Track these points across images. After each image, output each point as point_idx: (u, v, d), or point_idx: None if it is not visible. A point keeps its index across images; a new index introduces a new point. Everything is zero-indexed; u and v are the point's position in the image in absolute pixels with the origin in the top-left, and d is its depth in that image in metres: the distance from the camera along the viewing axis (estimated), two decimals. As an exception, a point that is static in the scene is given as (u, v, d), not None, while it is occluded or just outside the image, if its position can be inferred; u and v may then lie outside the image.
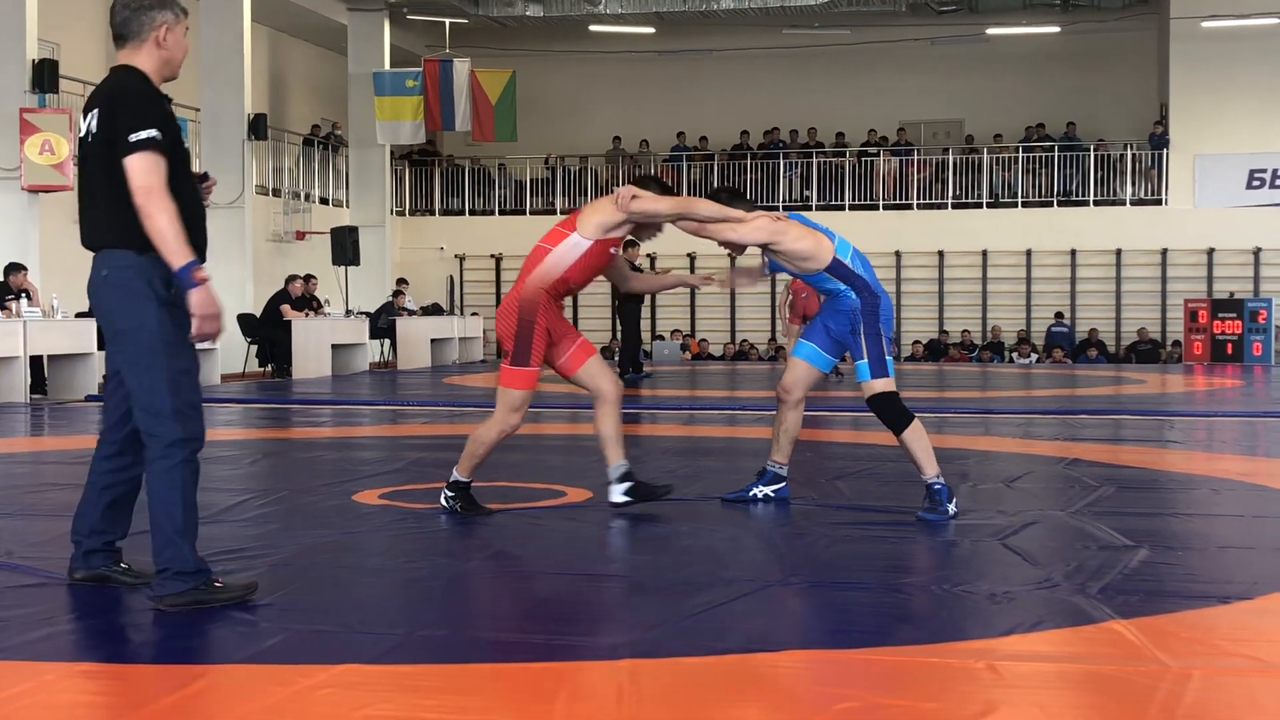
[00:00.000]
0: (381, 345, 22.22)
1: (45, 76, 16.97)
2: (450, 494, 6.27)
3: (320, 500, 6.75)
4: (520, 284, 6.30)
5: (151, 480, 4.29)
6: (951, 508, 6.16)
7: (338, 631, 4.07)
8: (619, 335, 17.54)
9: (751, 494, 6.63)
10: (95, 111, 4.29)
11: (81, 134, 4.38)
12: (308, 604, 4.43)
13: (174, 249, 4.17)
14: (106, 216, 4.29)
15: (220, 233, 21.63)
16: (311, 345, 18.32)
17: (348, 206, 26.49)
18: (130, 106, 4.22)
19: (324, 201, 25.97)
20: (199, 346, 4.44)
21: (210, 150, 21.09)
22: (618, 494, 6.30)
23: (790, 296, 16.79)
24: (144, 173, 4.17)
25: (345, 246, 20.60)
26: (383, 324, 21.41)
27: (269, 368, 19.48)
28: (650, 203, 6.23)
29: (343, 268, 20.75)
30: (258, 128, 21.92)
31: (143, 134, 4.17)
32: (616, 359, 17.60)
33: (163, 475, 4.26)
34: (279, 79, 26.90)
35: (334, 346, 18.73)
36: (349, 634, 4.04)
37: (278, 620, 4.16)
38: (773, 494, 6.61)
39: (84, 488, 4.59)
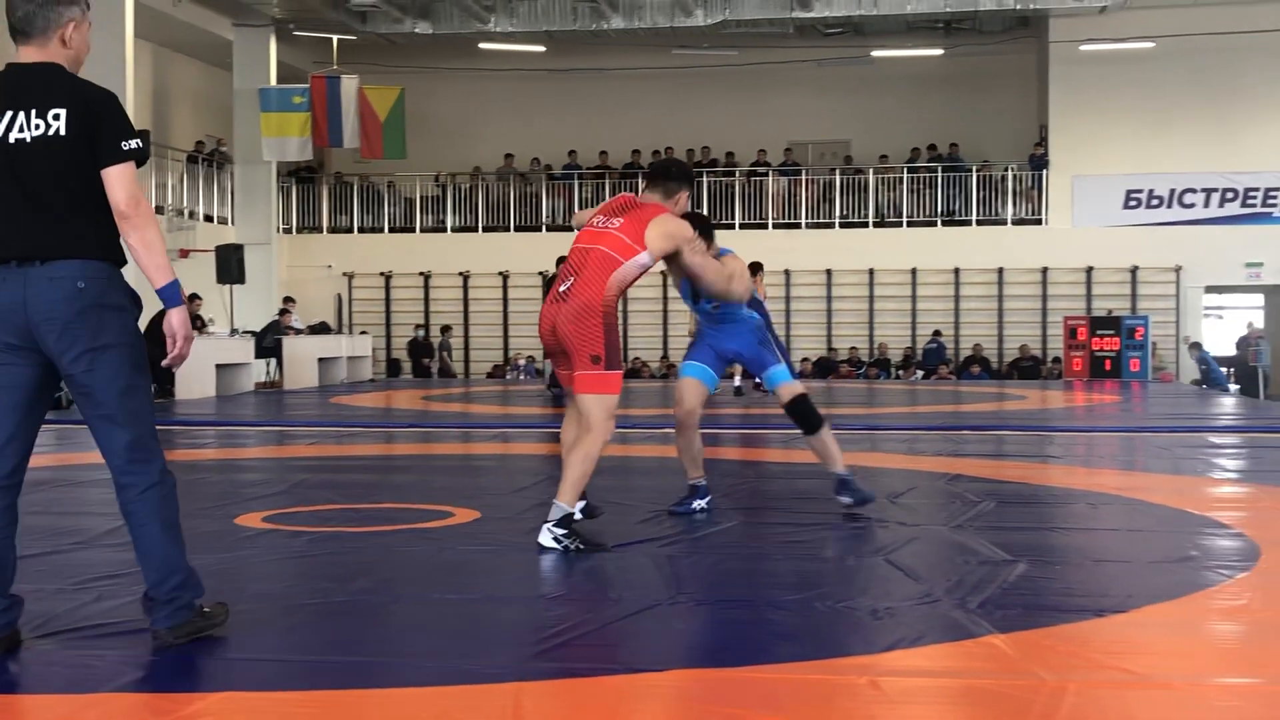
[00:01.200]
0: (267, 365, 21.92)
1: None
2: (563, 533, 5.74)
3: (202, 524, 6.63)
4: (589, 287, 5.90)
5: (157, 508, 4.09)
6: (868, 496, 6.91)
7: (217, 658, 4.00)
8: None
9: (694, 507, 6.89)
10: (62, 112, 3.95)
11: (12, 133, 3.97)
12: (188, 630, 4.35)
13: (162, 263, 4.01)
14: (80, 225, 3.99)
15: None
16: (195, 365, 17.99)
17: (233, 224, 26.14)
18: (118, 112, 4.04)
19: (209, 219, 25.60)
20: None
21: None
22: (546, 536, 5.81)
23: None
24: (132, 182, 3.99)
25: (230, 264, 20.32)
26: (268, 343, 21.13)
27: (152, 388, 19.10)
28: (710, 268, 6.48)
29: (228, 286, 20.46)
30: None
31: (132, 143, 4.00)
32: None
33: (166, 502, 4.12)
34: (163, 95, 26.49)
35: (218, 366, 18.44)
36: (229, 660, 3.98)
37: (157, 648, 4.08)
38: (707, 506, 6.92)
39: None
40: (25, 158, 3.97)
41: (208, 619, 4.20)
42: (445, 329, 27.37)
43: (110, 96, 4.07)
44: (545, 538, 5.79)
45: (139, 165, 4.03)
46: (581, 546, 5.75)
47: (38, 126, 3.97)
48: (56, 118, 3.97)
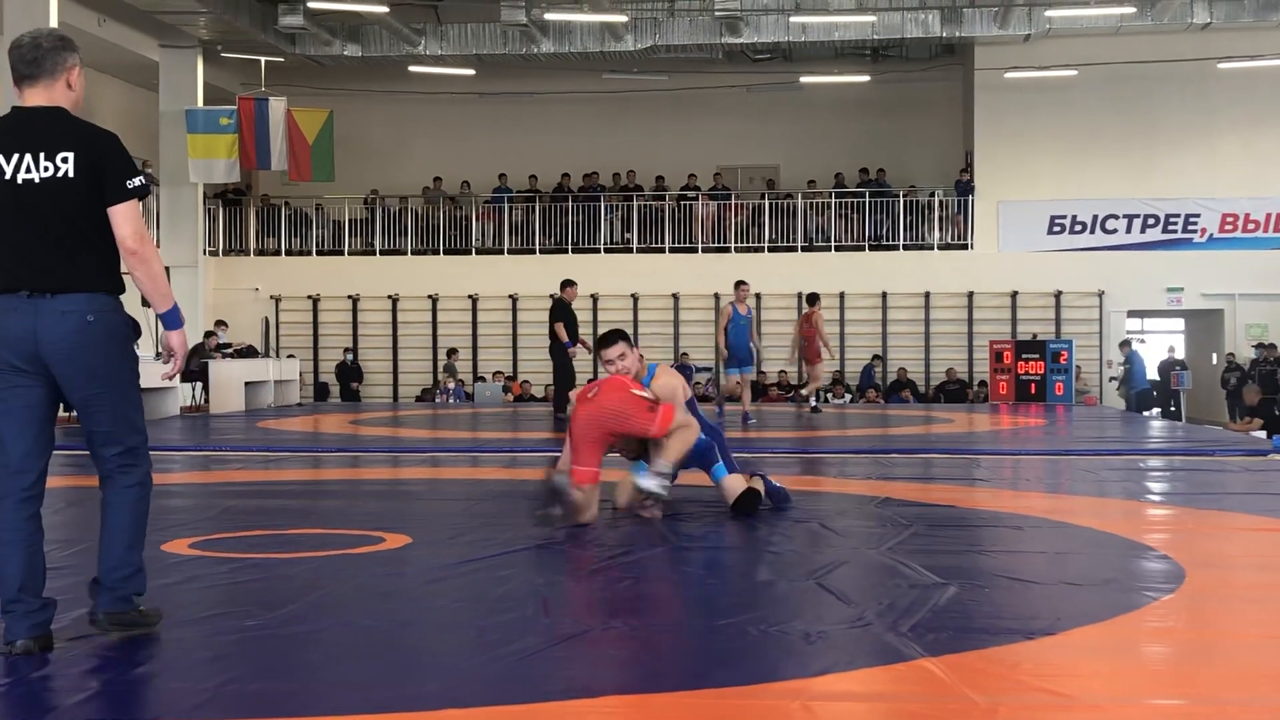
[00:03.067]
0: (193, 389, 21.65)
1: None
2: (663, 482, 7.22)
3: (127, 550, 6.53)
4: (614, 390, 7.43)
5: (133, 500, 4.51)
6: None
7: (145, 686, 3.94)
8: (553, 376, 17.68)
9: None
10: (70, 155, 4.27)
11: (9, 174, 4.28)
12: (115, 658, 4.28)
13: (165, 292, 4.47)
14: (88, 259, 4.33)
15: None
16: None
17: (159, 246, 25.85)
18: (123, 153, 4.37)
19: (133, 241, 25.27)
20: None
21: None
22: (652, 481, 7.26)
23: (803, 340, 19.53)
24: (137, 219, 4.36)
25: (156, 287, 20.04)
26: (194, 366, 20.85)
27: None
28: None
29: (153, 309, 20.19)
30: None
31: (136, 181, 4.36)
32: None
33: (142, 500, 4.55)
34: (87, 116, 25.20)
35: (143, 390, 18.19)
36: (157, 688, 3.92)
37: (83, 675, 4.02)
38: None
39: (11, 546, 4.33)
40: (34, 198, 4.28)
41: (143, 617, 4.53)
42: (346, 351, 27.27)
43: (114, 138, 4.40)
44: (650, 483, 7.23)
45: (140, 200, 4.38)
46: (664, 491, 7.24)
47: (46, 169, 4.29)
48: (65, 160, 4.29)
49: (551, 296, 18.33)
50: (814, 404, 19.80)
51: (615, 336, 7.74)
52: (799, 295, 26.67)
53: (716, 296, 26.78)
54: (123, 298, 4.49)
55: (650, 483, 7.16)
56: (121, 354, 4.46)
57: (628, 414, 7.25)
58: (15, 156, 4.30)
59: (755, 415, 17.48)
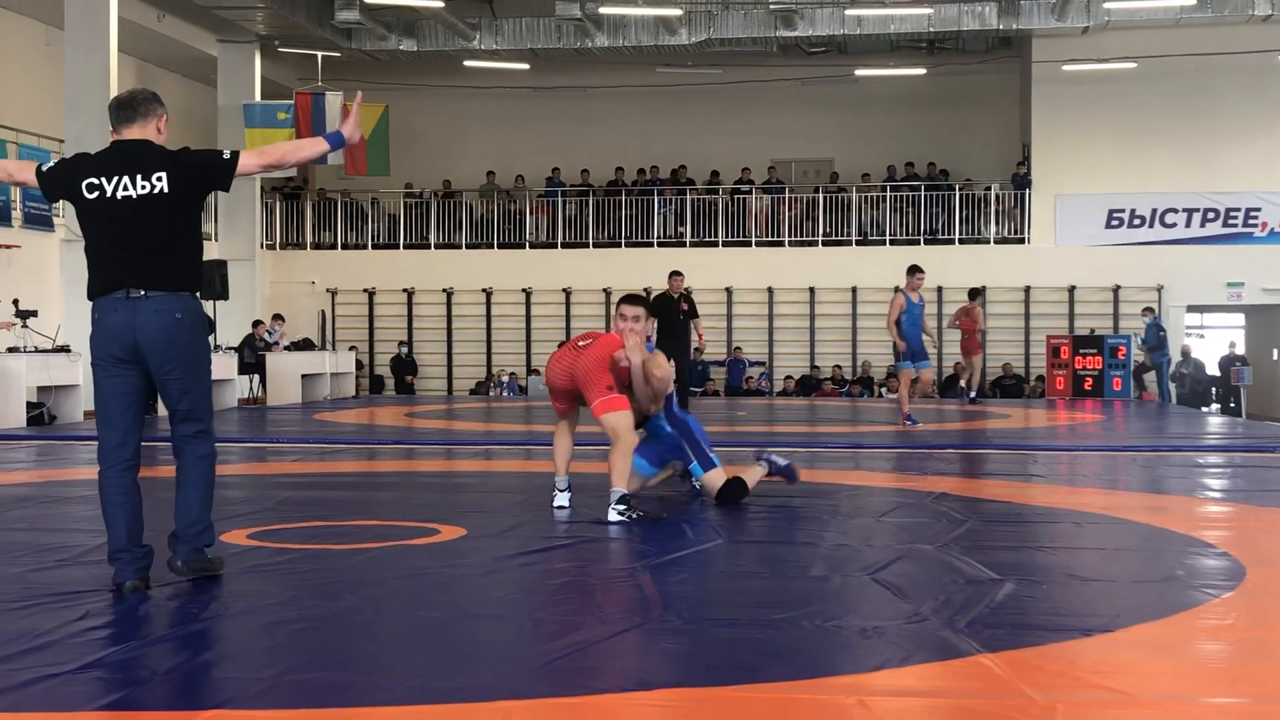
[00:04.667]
0: (251, 381, 21.86)
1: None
2: (624, 508, 7.18)
3: (187, 541, 6.60)
4: (603, 347, 7.65)
5: (205, 468, 5.48)
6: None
7: (205, 676, 3.99)
8: None
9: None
10: (163, 174, 5.19)
11: (115, 192, 5.18)
12: (174, 648, 4.34)
13: (314, 142, 5.57)
14: (176, 264, 5.26)
15: (81, 268, 21.16)
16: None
17: (216, 240, 26.08)
18: (200, 150, 5.40)
19: (192, 235, 25.50)
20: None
21: (74, 182, 20.55)
22: (612, 514, 7.16)
23: (963, 333, 20.09)
24: (253, 159, 5.41)
25: (214, 280, 20.25)
26: (248, 358, 21.05)
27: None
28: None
29: (211, 302, 20.40)
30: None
31: (227, 152, 5.43)
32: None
33: (211, 468, 5.51)
34: (146, 109, 26.39)
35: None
36: (217, 678, 3.97)
37: (144, 665, 4.07)
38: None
39: (119, 507, 5.27)
40: (131, 211, 5.18)
41: (212, 564, 5.48)
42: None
43: (187, 149, 5.37)
44: (611, 515, 7.12)
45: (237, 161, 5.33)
46: (643, 513, 7.20)
47: (143, 186, 5.18)
48: (160, 179, 5.20)
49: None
50: (972, 395, 20.46)
51: (639, 300, 7.95)
52: (852, 290, 26.63)
53: (770, 291, 26.73)
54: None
55: (612, 515, 7.12)
56: (201, 346, 5.34)
57: (590, 381, 7.48)
58: (115, 178, 5.19)
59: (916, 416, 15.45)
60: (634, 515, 7.13)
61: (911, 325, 15.21)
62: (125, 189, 5.16)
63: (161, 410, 5.79)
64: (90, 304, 5.30)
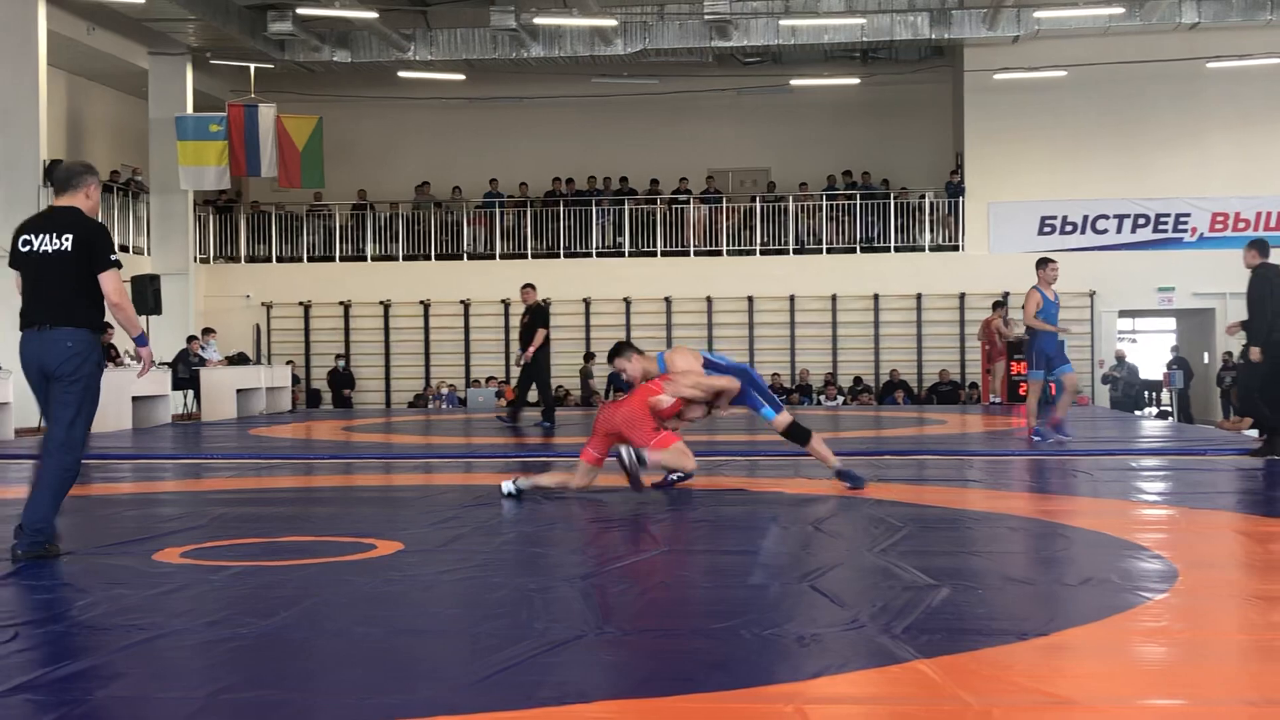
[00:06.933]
0: (185, 397, 21.63)
1: None
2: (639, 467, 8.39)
3: (119, 560, 6.53)
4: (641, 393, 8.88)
5: (57, 479, 6.51)
6: (862, 479, 9.10)
7: (137, 697, 3.93)
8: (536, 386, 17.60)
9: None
10: (69, 236, 6.46)
11: (37, 246, 6.50)
12: (106, 669, 4.27)
13: (136, 323, 6.76)
14: (75, 305, 6.48)
15: (13, 282, 20.85)
16: (110, 397, 17.60)
17: (149, 254, 25.81)
18: (107, 238, 6.62)
19: (124, 249, 25.18)
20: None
21: (4, 198, 20.26)
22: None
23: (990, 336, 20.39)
24: (117, 280, 6.57)
25: (146, 295, 20.07)
26: (182, 374, 20.82)
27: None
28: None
29: (144, 317, 20.18)
30: (54, 174, 21.24)
31: (114, 257, 6.57)
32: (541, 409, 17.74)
33: (66, 479, 6.56)
34: (77, 124, 26.14)
35: (134, 399, 18.16)
36: (151, 699, 3.91)
37: (76, 687, 4.00)
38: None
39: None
40: (48, 263, 6.49)
41: (49, 550, 6.45)
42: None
43: (102, 228, 6.66)
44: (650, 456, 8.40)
45: (118, 269, 6.55)
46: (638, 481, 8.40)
47: (56, 245, 6.48)
48: (67, 239, 6.48)
49: (544, 303, 18.17)
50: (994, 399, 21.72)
51: (612, 354, 9.04)
52: (790, 298, 26.76)
53: (709, 300, 26.80)
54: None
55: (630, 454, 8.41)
56: (89, 371, 6.52)
57: (634, 428, 8.55)
58: (41, 235, 6.51)
59: (1044, 430, 13.73)
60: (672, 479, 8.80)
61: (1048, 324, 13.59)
62: (45, 245, 6.51)
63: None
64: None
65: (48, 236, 6.46)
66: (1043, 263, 13.91)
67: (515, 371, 18.27)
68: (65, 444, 6.45)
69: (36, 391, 6.60)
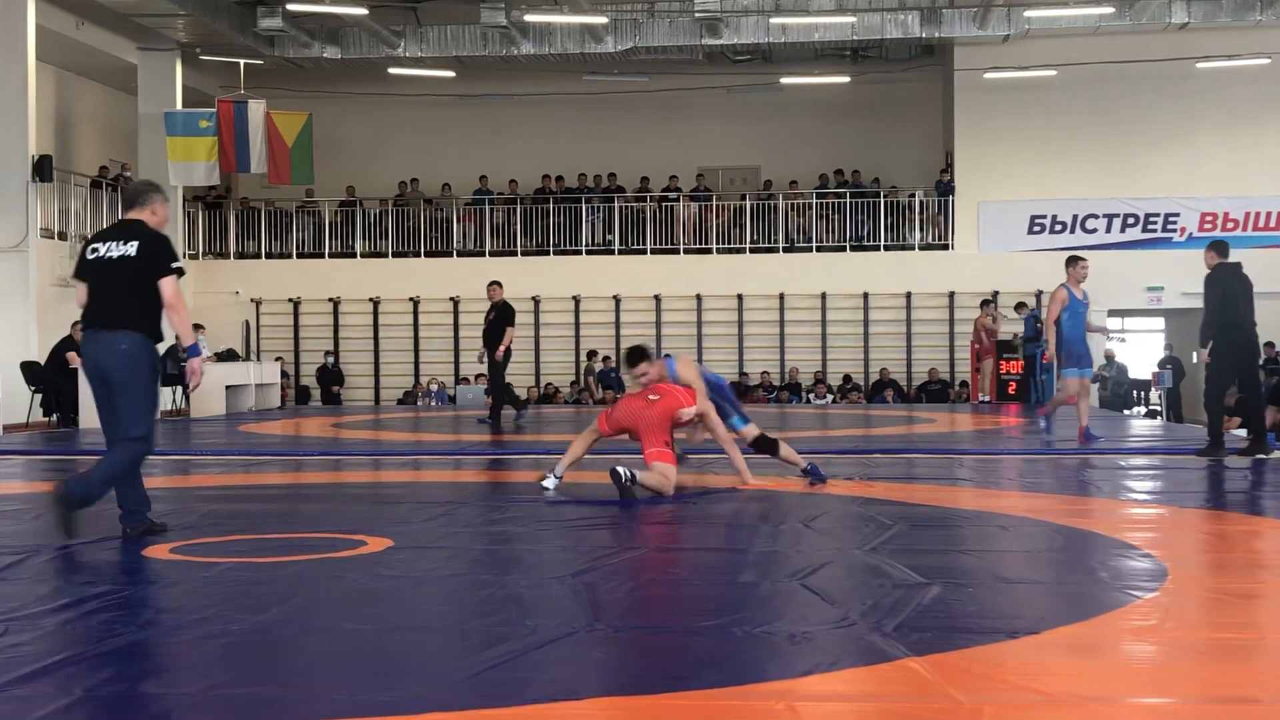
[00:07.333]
0: (173, 393, 21.57)
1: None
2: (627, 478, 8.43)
3: (109, 556, 6.52)
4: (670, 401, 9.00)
5: (132, 462, 7.06)
6: (824, 476, 9.46)
7: (128, 692, 3.92)
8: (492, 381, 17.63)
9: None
10: (135, 243, 6.95)
11: (103, 253, 6.99)
12: (98, 665, 4.26)
13: (188, 331, 7.18)
14: (134, 310, 6.95)
15: (1, 278, 20.80)
16: (99, 393, 17.66)
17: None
18: (169, 246, 7.10)
19: (113, 245, 25.10)
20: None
21: (-9, 192, 20.27)
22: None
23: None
24: (175, 285, 7.01)
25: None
26: (171, 370, 20.72)
27: (53, 418, 18.77)
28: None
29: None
30: (43, 169, 21.20)
31: (176, 264, 7.04)
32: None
33: (137, 463, 7.09)
34: (66, 119, 26.07)
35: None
36: (141, 695, 3.90)
37: (67, 683, 3.99)
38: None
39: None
40: (112, 268, 6.96)
41: (154, 526, 7.07)
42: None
43: (165, 237, 7.15)
44: (625, 472, 8.45)
45: (180, 276, 7.03)
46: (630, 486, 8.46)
47: (121, 250, 6.96)
48: (132, 246, 6.96)
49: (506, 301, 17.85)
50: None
51: (636, 357, 9.11)
52: (780, 296, 26.76)
53: (698, 298, 26.80)
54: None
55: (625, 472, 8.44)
56: (144, 370, 6.98)
57: (651, 433, 8.77)
58: (109, 243, 7.00)
59: (1100, 433, 13.89)
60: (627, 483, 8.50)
61: (1075, 324, 13.26)
62: (109, 251, 6.99)
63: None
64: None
65: (114, 244, 6.97)
66: (1072, 260, 13.54)
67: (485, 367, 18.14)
68: (124, 441, 6.92)
69: (96, 391, 7.04)
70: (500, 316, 17.03)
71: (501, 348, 16.75)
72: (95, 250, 7.04)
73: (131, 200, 7.27)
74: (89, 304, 7.03)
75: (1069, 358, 13.24)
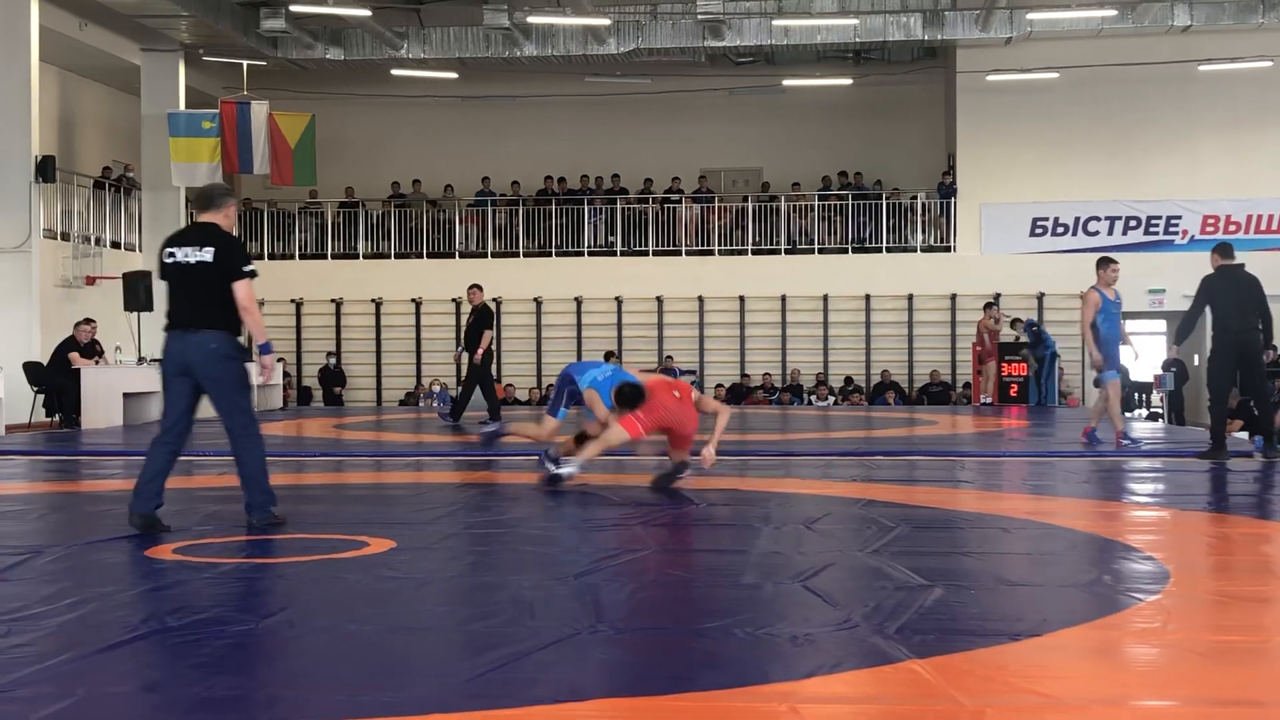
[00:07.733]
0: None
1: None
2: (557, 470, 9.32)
3: (111, 556, 6.52)
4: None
5: (254, 454, 7.73)
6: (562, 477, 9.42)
7: (131, 694, 3.92)
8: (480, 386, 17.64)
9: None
10: (211, 249, 7.33)
11: (181, 258, 7.38)
12: (98, 665, 4.26)
13: (261, 330, 7.71)
14: (216, 310, 7.37)
15: (3, 278, 20.82)
16: (101, 394, 17.68)
17: (141, 250, 25.73)
18: (242, 250, 7.49)
19: (116, 246, 25.17)
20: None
21: (-6, 192, 20.28)
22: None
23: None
24: (249, 289, 7.43)
25: (138, 292, 19.97)
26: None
27: (56, 418, 18.77)
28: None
29: (135, 314, 20.12)
30: (45, 170, 21.21)
31: (249, 267, 7.46)
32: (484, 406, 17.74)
33: (255, 451, 7.77)
34: (69, 120, 26.08)
35: (126, 395, 18.11)
36: (142, 696, 3.90)
37: (67, 684, 3.99)
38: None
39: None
40: (192, 273, 7.36)
41: (278, 520, 7.51)
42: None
43: (239, 241, 7.57)
44: (551, 468, 9.34)
45: (253, 278, 7.45)
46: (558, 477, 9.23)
47: (198, 256, 7.35)
48: (208, 251, 7.35)
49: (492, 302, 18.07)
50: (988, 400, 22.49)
51: (634, 400, 9.30)
52: (782, 298, 26.76)
53: (700, 300, 26.80)
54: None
55: (551, 467, 9.28)
56: (233, 366, 7.47)
57: (690, 429, 9.40)
58: (187, 248, 7.38)
59: (1131, 440, 13.54)
60: (558, 472, 9.27)
61: (1110, 326, 12.95)
62: (188, 256, 7.37)
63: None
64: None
65: (191, 249, 7.37)
66: (1103, 262, 13.21)
67: (492, 369, 18.16)
68: (244, 435, 7.55)
69: (167, 386, 7.49)
70: (479, 320, 17.11)
71: (480, 350, 16.83)
72: (172, 255, 7.41)
73: (207, 203, 7.62)
74: (171, 305, 7.46)
75: (1107, 362, 12.92)
